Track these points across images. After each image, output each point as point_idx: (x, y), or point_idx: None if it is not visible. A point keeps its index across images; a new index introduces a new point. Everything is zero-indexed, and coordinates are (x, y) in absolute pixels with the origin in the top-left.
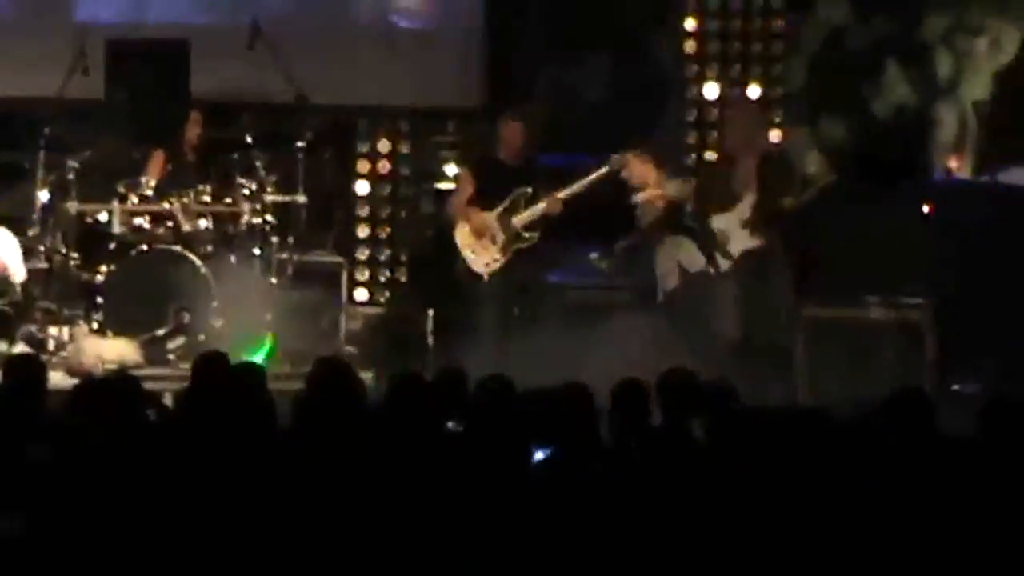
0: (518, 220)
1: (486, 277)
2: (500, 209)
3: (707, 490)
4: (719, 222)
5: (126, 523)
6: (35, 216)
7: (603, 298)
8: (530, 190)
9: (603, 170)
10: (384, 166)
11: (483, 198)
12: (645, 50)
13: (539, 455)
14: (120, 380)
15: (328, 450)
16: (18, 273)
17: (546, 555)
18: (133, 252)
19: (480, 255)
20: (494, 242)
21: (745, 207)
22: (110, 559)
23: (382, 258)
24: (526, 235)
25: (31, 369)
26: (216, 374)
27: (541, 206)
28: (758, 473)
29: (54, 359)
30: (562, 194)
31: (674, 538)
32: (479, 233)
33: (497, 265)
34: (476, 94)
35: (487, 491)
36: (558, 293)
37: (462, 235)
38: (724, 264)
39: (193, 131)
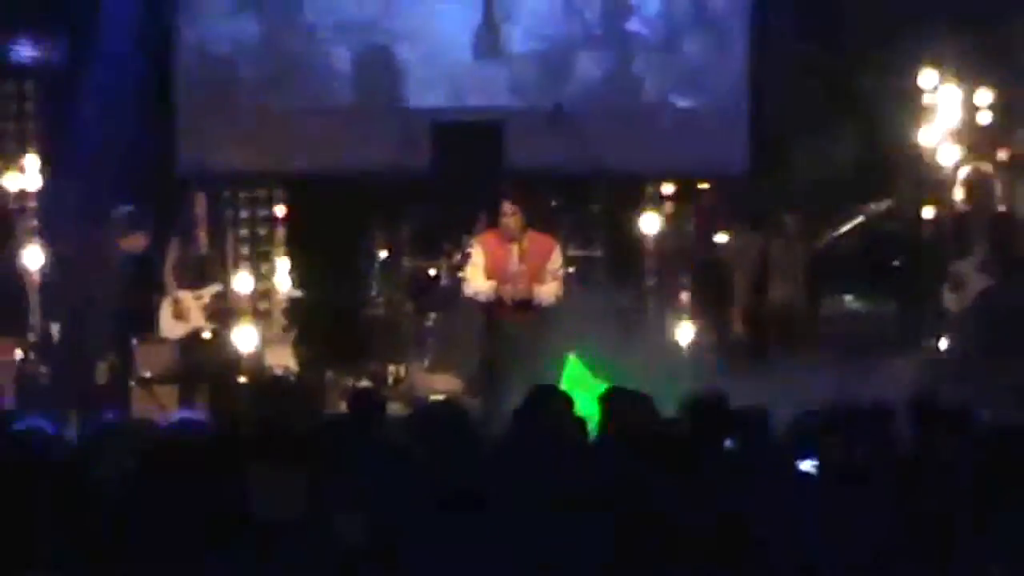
0: None
1: None
2: None
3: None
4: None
5: (452, 533)
6: (374, 270)
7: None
8: None
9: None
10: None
11: None
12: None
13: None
14: (449, 409)
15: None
16: None
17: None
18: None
19: None
20: None
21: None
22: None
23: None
24: None
25: (372, 400)
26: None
27: None
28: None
29: (393, 392)
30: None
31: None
32: None
33: None
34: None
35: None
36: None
37: None
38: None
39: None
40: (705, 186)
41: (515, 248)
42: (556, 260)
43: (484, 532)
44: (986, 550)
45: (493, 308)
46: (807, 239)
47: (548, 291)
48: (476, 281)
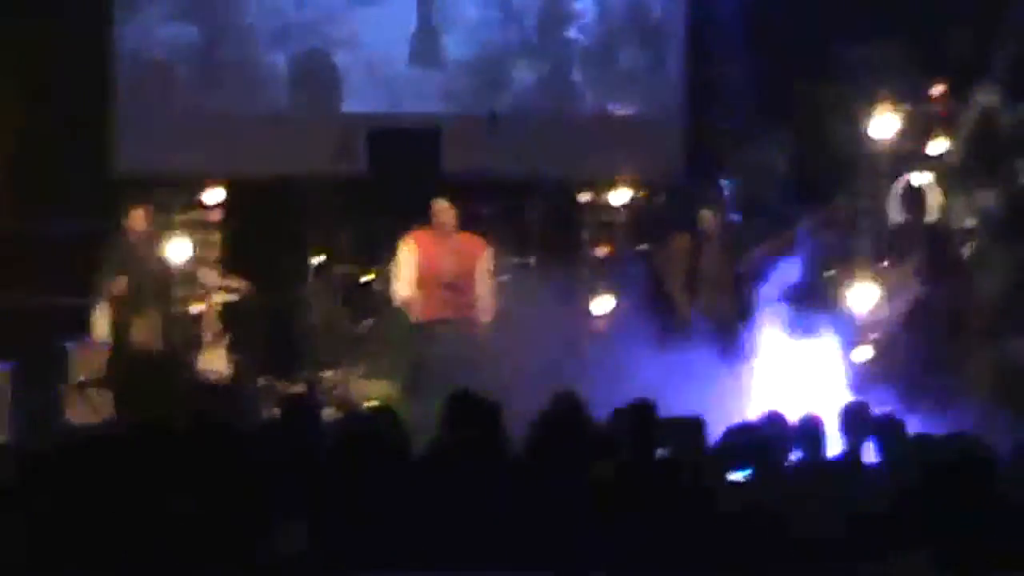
0: None
1: None
2: None
3: None
4: None
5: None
6: (310, 277)
7: None
8: None
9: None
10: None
11: None
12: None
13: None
14: (382, 416)
15: None
16: None
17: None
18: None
19: None
20: None
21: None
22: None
23: None
24: None
25: (305, 406)
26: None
27: None
28: None
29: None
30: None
31: None
32: None
33: None
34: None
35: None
36: None
37: None
38: None
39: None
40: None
41: (448, 244)
42: (488, 261)
43: (416, 539)
44: None
45: (423, 312)
46: (737, 250)
47: (486, 307)
48: (403, 283)
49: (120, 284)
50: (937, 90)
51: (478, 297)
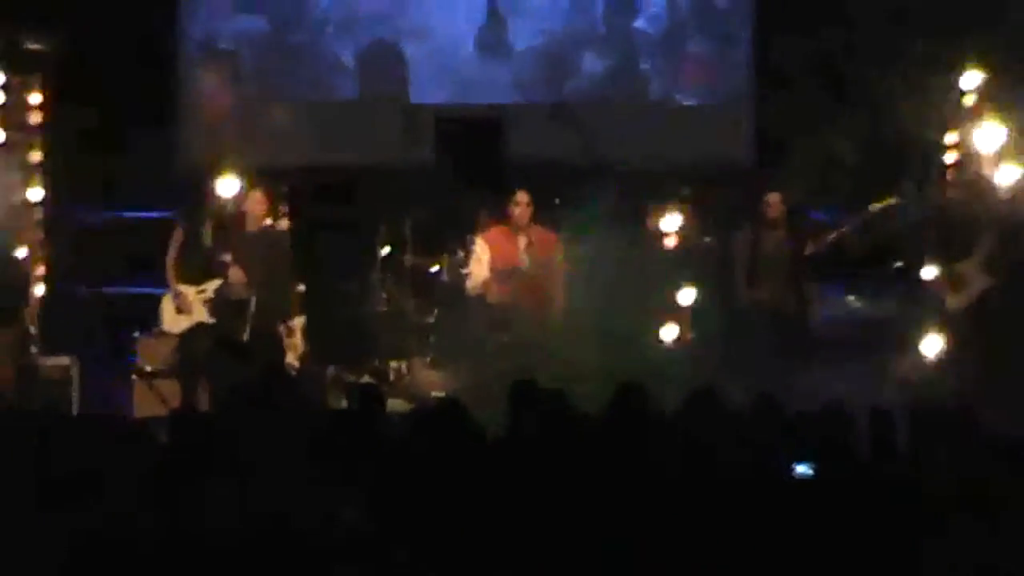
0: None
1: None
2: None
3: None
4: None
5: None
6: (376, 266)
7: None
8: None
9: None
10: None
11: None
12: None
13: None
14: (450, 406)
15: None
16: None
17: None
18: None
19: None
20: None
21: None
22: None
23: None
24: None
25: (373, 396)
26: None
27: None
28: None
29: (395, 389)
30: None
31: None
32: None
33: None
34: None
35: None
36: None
37: None
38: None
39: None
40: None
41: (522, 240)
42: (560, 255)
43: (483, 529)
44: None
45: (494, 298)
46: (804, 237)
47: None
48: (479, 278)
49: (237, 271)
50: None
51: (551, 291)
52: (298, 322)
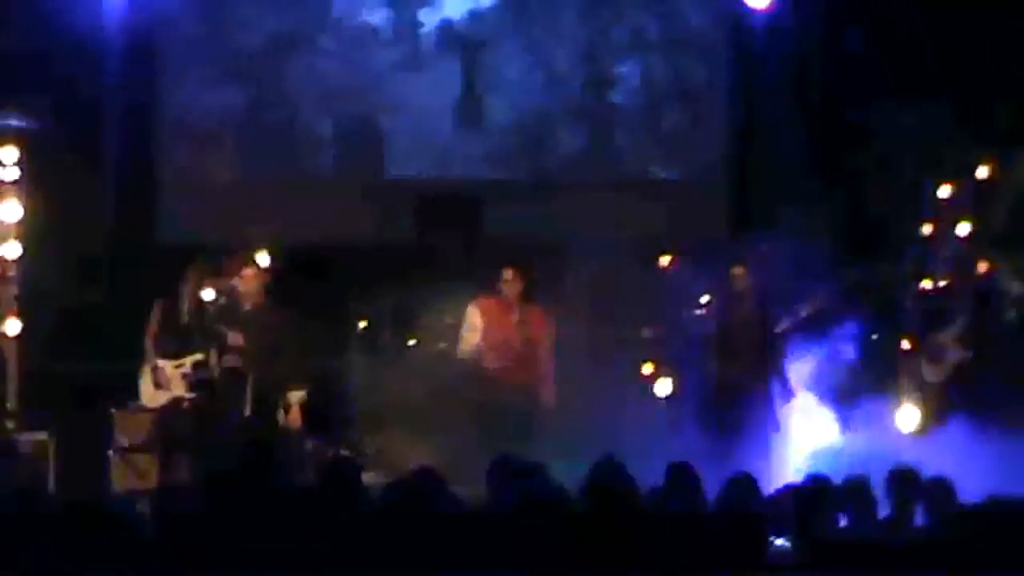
0: None
1: None
2: None
3: None
4: None
5: None
6: (353, 342)
7: None
8: None
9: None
10: None
11: None
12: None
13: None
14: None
15: None
16: None
17: None
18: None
19: None
20: None
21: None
22: None
23: None
24: None
25: (349, 468)
26: None
27: None
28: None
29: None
30: None
31: None
32: None
33: None
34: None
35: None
36: None
37: None
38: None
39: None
40: None
41: (514, 316)
42: (552, 333)
43: None
44: None
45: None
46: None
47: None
48: (471, 347)
49: (237, 336)
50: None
51: (541, 370)
52: (295, 396)
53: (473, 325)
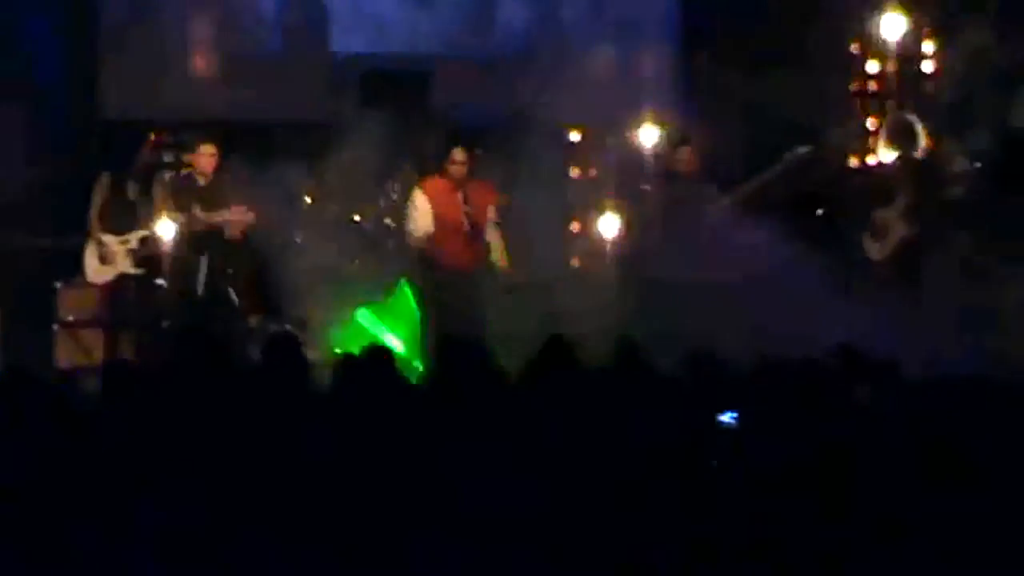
0: None
1: None
2: None
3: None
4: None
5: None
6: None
7: None
8: None
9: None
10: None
11: None
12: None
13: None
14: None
15: None
16: None
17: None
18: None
19: None
20: None
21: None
22: None
23: None
24: None
25: (292, 345)
26: None
27: None
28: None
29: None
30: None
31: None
32: None
33: None
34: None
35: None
36: None
37: None
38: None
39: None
40: None
41: (460, 195)
42: (494, 208)
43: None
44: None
45: (436, 255)
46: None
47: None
48: (420, 231)
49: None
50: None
51: (491, 244)
52: (243, 273)
53: (422, 211)
